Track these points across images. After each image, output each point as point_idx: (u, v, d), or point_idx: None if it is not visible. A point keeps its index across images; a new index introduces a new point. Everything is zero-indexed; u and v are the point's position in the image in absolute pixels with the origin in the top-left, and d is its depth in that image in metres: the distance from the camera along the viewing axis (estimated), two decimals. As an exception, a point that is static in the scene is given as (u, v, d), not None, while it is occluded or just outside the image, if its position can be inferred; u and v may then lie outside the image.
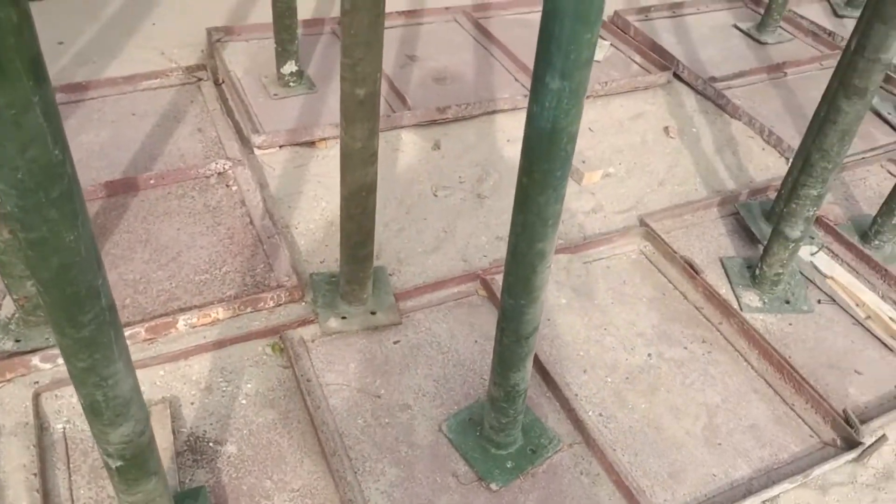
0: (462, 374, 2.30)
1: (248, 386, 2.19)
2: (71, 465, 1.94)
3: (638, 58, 4.03)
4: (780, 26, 4.46)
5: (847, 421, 2.22)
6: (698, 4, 4.68)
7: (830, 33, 4.42)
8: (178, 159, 2.98)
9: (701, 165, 3.36)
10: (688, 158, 3.40)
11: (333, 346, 2.34)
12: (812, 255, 2.79)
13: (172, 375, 2.19)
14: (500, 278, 1.70)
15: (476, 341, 2.41)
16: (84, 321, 1.14)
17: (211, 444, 2.03)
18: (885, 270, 2.78)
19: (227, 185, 2.88)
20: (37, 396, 2.06)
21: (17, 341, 2.16)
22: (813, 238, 2.92)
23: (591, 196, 3.10)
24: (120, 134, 3.08)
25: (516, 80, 3.68)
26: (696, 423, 2.24)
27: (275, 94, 3.35)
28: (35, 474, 1.90)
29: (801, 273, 2.77)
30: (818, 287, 2.75)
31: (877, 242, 2.91)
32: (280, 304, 2.43)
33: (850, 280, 2.70)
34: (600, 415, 2.23)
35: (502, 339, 1.78)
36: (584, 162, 3.19)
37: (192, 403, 2.13)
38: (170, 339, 2.28)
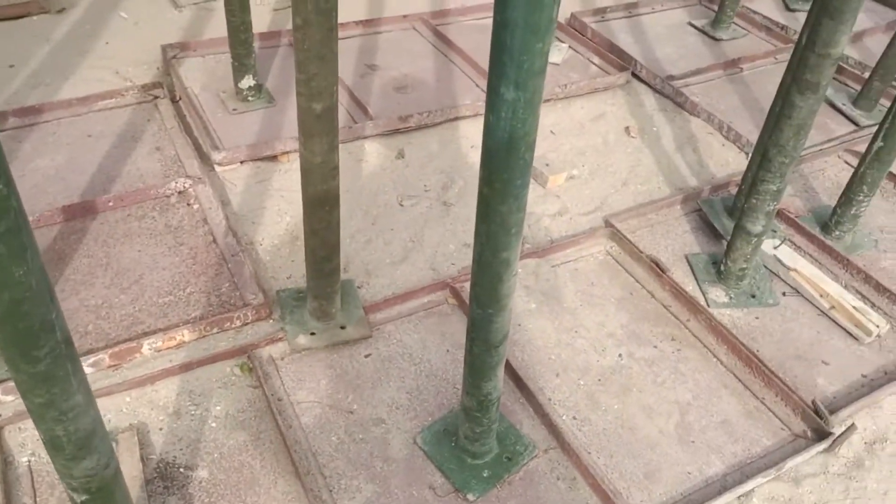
0: (435, 384, 2.29)
1: (218, 408, 2.16)
2: (38, 499, 1.89)
3: (596, 59, 4.05)
4: (734, 22, 4.53)
5: (816, 412, 2.25)
6: (653, 4, 4.73)
7: (783, 27, 4.50)
8: (136, 180, 2.93)
9: (663, 164, 3.39)
10: (649, 157, 3.42)
11: (303, 363, 2.31)
12: (775, 248, 2.82)
13: (139, 401, 2.15)
14: (469, 286, 1.70)
15: (448, 350, 2.40)
16: (39, 356, 1.11)
17: (181, 470, 1.99)
18: (847, 260, 2.82)
19: (189, 204, 2.83)
20: (-1, 430, 2.01)
21: (-24, 375, 2.10)
22: (775, 231, 2.96)
23: (557, 199, 3.11)
24: (76, 156, 3.02)
25: (477, 85, 3.68)
26: (669, 422, 2.26)
27: (234, 109, 3.31)
28: (0, 511, 1.85)
29: (766, 266, 2.81)
30: (782, 280, 2.78)
31: (837, 233, 2.96)
32: (247, 323, 2.40)
33: (814, 271, 2.74)
34: (574, 418, 2.23)
35: (472, 348, 1.77)
36: (547, 165, 3.20)
37: (161, 429, 2.09)
38: (135, 364, 2.24)
